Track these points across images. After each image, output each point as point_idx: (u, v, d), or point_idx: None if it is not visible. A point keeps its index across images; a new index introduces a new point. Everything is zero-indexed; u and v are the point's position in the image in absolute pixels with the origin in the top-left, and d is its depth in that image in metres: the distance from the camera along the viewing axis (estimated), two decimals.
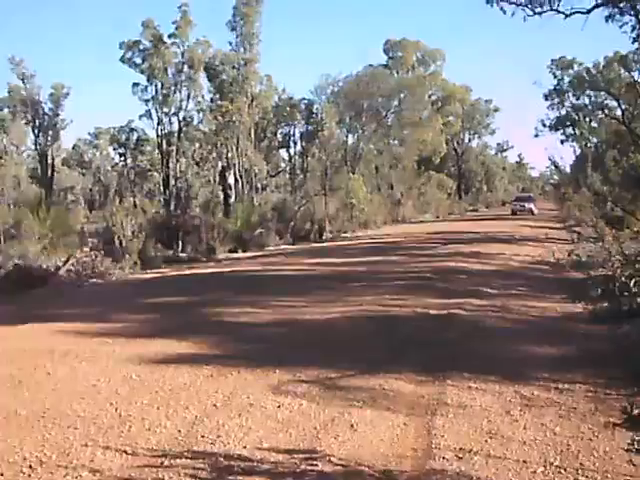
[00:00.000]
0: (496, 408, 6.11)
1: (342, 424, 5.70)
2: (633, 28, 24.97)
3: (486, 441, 5.33)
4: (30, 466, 4.96)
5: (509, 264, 17.81)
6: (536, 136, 60.40)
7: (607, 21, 24.93)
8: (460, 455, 5.04)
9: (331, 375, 7.17)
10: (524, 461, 4.94)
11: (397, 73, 57.23)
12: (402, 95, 49.51)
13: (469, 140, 79.52)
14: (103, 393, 6.71)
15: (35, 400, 6.55)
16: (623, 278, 4.42)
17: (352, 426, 5.65)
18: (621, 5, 24.31)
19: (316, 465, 4.85)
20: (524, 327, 9.87)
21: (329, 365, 7.49)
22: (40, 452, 5.21)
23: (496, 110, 77.47)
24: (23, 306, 12.76)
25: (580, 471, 4.78)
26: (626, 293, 4.80)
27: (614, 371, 7.04)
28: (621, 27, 25.26)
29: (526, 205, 57.29)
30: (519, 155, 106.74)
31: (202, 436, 5.48)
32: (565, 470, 4.80)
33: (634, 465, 4.86)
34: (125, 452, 5.13)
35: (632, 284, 3.82)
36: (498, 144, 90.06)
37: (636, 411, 4.24)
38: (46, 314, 11.40)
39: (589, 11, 25.15)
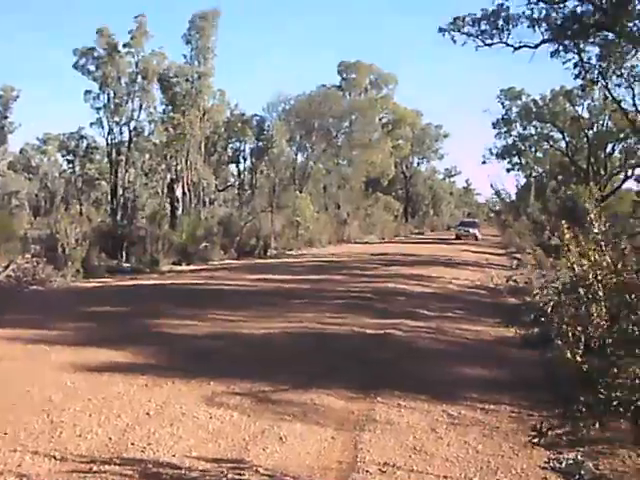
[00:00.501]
0: (423, 426, 6.30)
1: (271, 436, 5.83)
2: (575, 65, 25.86)
3: (410, 457, 5.51)
4: None
5: (448, 287, 18.12)
6: (483, 163, 61.49)
7: (552, 57, 25.80)
8: (384, 469, 5.21)
9: (265, 389, 7.29)
10: (445, 476, 5.13)
11: (350, 94, 57.74)
12: (353, 116, 49.95)
13: (418, 164, 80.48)
14: (36, 399, 6.73)
15: None
16: (542, 304, 4.65)
17: (281, 438, 5.79)
18: (565, 43, 25.14)
19: (243, 474, 4.98)
20: (457, 349, 10.12)
21: (264, 379, 7.61)
22: None
23: (446, 136, 78.54)
24: None
25: None
26: (542, 319, 5.05)
27: (539, 394, 7.28)
28: (564, 64, 26.18)
29: (470, 230, 56.39)
30: (466, 181, 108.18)
31: (132, 443, 5.57)
32: None
33: None
34: (54, 457, 5.19)
35: (549, 310, 4.07)
36: (446, 169, 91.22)
37: (545, 429, 4.47)
38: None
39: (536, 46, 26.03)
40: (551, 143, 55.30)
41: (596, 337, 4.01)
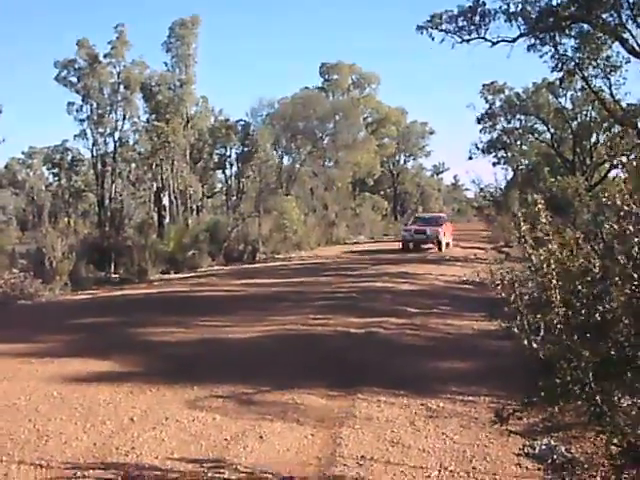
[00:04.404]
0: (401, 419, 6.46)
1: (252, 436, 5.99)
2: (552, 57, 26.14)
3: (387, 449, 5.68)
4: None
5: (434, 284, 18.27)
6: (470, 158, 61.18)
7: (529, 50, 26.07)
8: (361, 462, 5.37)
9: (247, 391, 7.46)
10: (421, 467, 5.30)
11: (332, 95, 57.85)
12: (337, 117, 50.01)
13: (404, 162, 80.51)
14: (22, 410, 6.88)
15: None
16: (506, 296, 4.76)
17: (261, 437, 5.95)
18: (541, 36, 25.40)
19: (223, 473, 5.15)
20: (439, 344, 10.28)
21: (246, 382, 7.76)
22: None
23: (431, 133, 78.32)
24: None
25: (471, 474, 5.17)
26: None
27: (517, 384, 7.43)
28: (541, 57, 26.44)
29: (428, 231, 34.01)
30: (454, 177, 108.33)
31: (116, 448, 5.73)
32: (458, 474, 5.18)
33: (521, 467, 5.27)
34: (40, 465, 5.36)
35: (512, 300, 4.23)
36: (434, 166, 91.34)
37: (506, 413, 4.64)
38: None
39: (514, 40, 26.27)
40: (536, 135, 55.42)
41: (553, 324, 4.18)
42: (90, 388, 7.74)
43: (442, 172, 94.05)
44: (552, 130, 52.26)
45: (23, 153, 63.76)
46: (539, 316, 4.33)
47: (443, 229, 34.54)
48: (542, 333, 4.29)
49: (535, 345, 4.16)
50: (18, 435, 6.10)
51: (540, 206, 4.34)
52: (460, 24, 27.04)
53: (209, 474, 5.12)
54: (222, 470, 5.19)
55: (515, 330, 4.36)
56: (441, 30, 27.36)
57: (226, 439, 5.91)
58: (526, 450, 5.63)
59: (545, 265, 4.21)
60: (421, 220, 38.74)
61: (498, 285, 4.61)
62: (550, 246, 4.29)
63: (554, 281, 4.12)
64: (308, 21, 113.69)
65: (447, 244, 34.85)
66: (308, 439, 5.92)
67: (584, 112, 48.76)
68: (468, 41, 27.10)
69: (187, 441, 5.87)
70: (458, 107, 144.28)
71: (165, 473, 5.15)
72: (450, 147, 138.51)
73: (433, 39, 27.33)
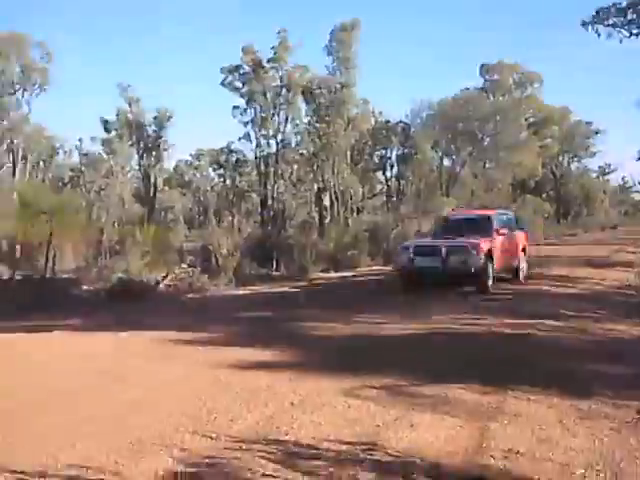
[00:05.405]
0: (550, 418, 6.53)
1: (403, 424, 6.30)
2: None
3: (534, 445, 5.79)
4: (131, 443, 5.90)
5: (594, 288, 17.81)
6: (639, 159, 58.31)
7: None
8: (507, 455, 5.53)
9: (400, 383, 7.78)
10: (567, 464, 5.37)
11: (493, 96, 56.94)
12: (498, 118, 49.23)
13: (568, 163, 77.90)
14: (193, 391, 7.61)
15: (132, 393, 7.60)
16: None
17: (412, 426, 6.24)
18: None
19: (374, 455, 5.48)
20: (594, 347, 10.14)
21: (400, 374, 8.09)
22: (140, 435, 6.10)
23: (597, 132, 75.39)
24: (124, 316, 13.80)
25: (618, 475, 5.19)
26: None
27: None
28: None
29: (444, 250, 16.38)
30: (622, 178, 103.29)
31: (277, 427, 6.24)
32: (604, 474, 5.22)
33: None
34: (210, 437, 5.97)
35: None
36: (600, 167, 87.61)
37: None
38: (145, 323, 12.43)
39: None
40: None
41: None
42: (252, 374, 8.38)
43: (609, 173, 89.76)
44: None
45: (191, 155, 66.77)
46: None
47: (492, 244, 17.25)
48: None
49: None
50: (190, 412, 6.76)
51: None
52: (630, 17, 25.92)
53: (361, 456, 5.46)
54: (374, 452, 5.53)
55: None
56: (607, 25, 26.38)
57: (378, 425, 6.25)
58: None
59: None
60: (451, 225, 19.77)
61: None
62: None
63: None
64: (468, 22, 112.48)
65: (516, 271, 19.39)
66: (457, 430, 6.14)
67: None
68: (638, 35, 25.98)
69: (342, 425, 6.26)
70: (628, 105, 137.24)
71: (321, 452, 5.55)
72: (620, 147, 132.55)
73: (599, 35, 26.39)
